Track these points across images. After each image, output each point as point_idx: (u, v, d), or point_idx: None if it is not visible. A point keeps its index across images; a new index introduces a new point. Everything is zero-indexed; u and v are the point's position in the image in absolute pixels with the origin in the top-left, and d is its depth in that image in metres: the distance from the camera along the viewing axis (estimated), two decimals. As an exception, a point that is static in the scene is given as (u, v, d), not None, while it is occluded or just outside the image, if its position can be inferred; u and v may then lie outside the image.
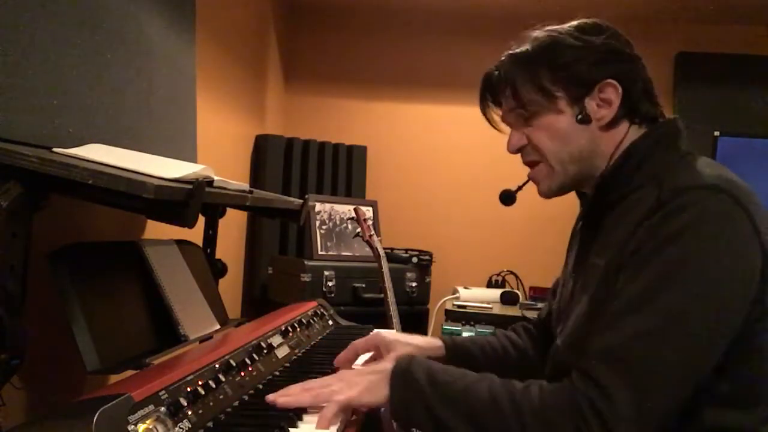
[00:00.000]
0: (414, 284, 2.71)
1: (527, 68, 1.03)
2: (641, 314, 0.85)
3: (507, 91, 1.07)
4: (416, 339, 1.24)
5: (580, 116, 1.01)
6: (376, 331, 1.24)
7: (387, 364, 0.98)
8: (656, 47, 3.26)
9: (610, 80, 1.00)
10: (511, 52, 1.07)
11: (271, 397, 0.95)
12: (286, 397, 0.95)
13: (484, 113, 1.14)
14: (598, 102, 1.02)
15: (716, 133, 2.77)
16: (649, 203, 0.91)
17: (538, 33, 1.06)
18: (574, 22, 1.06)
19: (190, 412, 0.85)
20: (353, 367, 1.20)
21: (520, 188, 1.21)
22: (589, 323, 0.97)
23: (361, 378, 0.98)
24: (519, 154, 1.10)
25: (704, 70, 3.12)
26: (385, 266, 2.21)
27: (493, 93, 1.11)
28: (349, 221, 2.73)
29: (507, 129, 1.12)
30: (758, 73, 3.08)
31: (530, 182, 1.13)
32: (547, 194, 1.10)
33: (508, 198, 1.24)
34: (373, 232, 2.27)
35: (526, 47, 1.05)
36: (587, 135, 1.03)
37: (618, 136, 1.03)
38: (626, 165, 1.00)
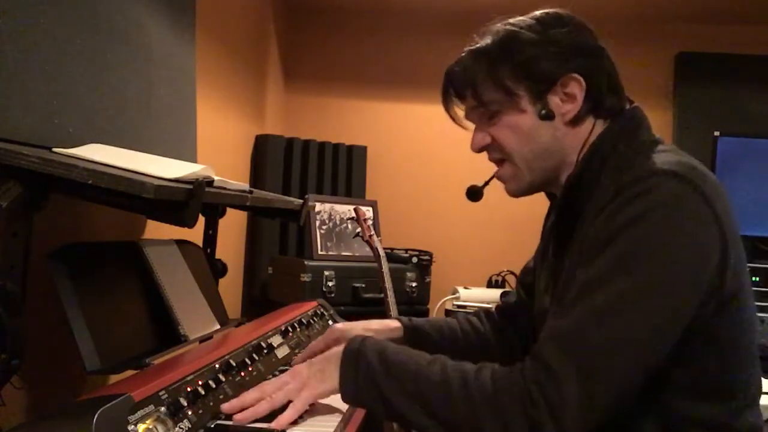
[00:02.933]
0: (414, 284, 2.71)
1: (487, 65, 1.01)
2: (594, 297, 0.84)
3: (468, 90, 1.04)
4: (373, 324, 1.22)
5: (543, 112, 0.99)
6: (332, 326, 1.19)
7: (337, 349, 0.96)
8: (656, 47, 3.26)
9: (573, 74, 0.98)
10: (471, 47, 1.05)
11: (226, 407, 0.92)
12: (243, 411, 0.91)
13: (447, 110, 1.11)
14: (561, 97, 0.99)
15: (716, 133, 2.77)
16: (609, 193, 0.90)
17: (498, 27, 1.03)
18: (537, 13, 1.03)
19: (190, 412, 0.85)
20: None
21: (486, 183, 1.19)
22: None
23: (311, 369, 0.96)
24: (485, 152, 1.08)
25: (704, 70, 3.12)
26: (385, 266, 2.20)
27: (455, 90, 1.08)
28: (349, 221, 2.73)
29: (471, 126, 1.10)
30: (758, 73, 3.07)
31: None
32: (514, 194, 1.08)
33: (474, 194, 1.23)
34: (373, 232, 2.27)
35: (486, 42, 1.03)
36: (551, 131, 1.00)
37: (584, 133, 1.01)
38: (590, 164, 0.98)
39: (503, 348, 1.27)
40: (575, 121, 1.00)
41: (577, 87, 0.98)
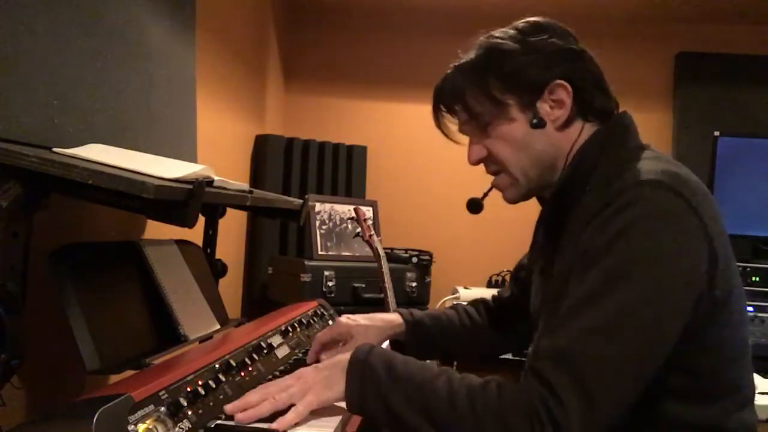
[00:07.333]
0: (414, 284, 2.71)
1: (474, 79, 1.04)
2: (588, 314, 0.85)
3: (458, 104, 1.07)
4: (376, 319, 1.26)
5: (534, 121, 1.01)
6: (338, 319, 1.24)
7: (343, 356, 0.97)
8: (656, 47, 3.26)
9: (559, 81, 1.00)
10: (456, 64, 1.08)
11: (229, 408, 0.92)
12: (245, 411, 0.91)
13: (439, 127, 1.14)
14: (550, 104, 1.02)
15: (716, 133, 2.77)
16: (598, 204, 0.91)
17: (481, 40, 1.06)
18: (518, 24, 1.06)
19: (190, 412, 0.85)
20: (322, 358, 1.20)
21: (485, 195, 1.22)
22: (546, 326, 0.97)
23: (317, 374, 0.96)
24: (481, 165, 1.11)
25: (704, 70, 3.12)
26: (385, 266, 2.21)
27: (446, 105, 1.10)
28: (349, 221, 2.73)
29: (464, 139, 1.12)
30: (758, 73, 3.07)
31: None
32: (512, 201, 1.11)
33: (475, 206, 1.26)
34: (373, 232, 2.27)
35: (470, 56, 1.06)
36: (544, 138, 1.03)
37: (573, 135, 1.03)
38: (578, 169, 1.01)
39: (498, 338, 1.35)
40: (566, 125, 1.03)
41: (564, 92, 1.01)
